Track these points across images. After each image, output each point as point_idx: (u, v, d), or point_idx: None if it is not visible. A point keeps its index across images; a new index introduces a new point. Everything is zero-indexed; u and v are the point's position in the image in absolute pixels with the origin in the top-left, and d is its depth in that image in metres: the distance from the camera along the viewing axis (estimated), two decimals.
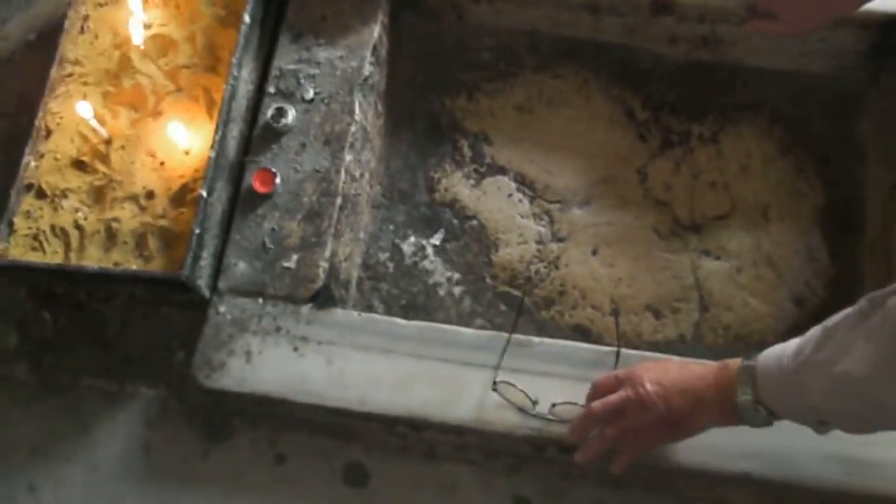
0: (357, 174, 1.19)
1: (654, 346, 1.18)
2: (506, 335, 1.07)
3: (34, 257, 1.13)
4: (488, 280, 1.23)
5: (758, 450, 0.99)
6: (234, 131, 1.17)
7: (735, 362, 0.88)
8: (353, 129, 1.17)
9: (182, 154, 1.17)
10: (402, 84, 1.33)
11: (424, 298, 1.22)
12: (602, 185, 1.27)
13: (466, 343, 1.07)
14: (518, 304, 1.20)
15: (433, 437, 1.08)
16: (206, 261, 1.11)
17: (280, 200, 1.14)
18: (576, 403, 0.98)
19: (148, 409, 1.15)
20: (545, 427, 1.01)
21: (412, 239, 1.25)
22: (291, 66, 1.20)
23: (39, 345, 1.18)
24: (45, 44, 1.28)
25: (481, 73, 1.33)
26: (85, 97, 1.20)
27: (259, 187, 1.14)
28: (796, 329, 1.17)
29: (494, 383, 1.02)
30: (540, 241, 1.25)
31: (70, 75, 1.21)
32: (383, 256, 1.25)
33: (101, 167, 1.17)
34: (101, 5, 1.25)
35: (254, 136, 1.18)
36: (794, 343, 0.83)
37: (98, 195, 1.16)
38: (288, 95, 1.19)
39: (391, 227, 1.26)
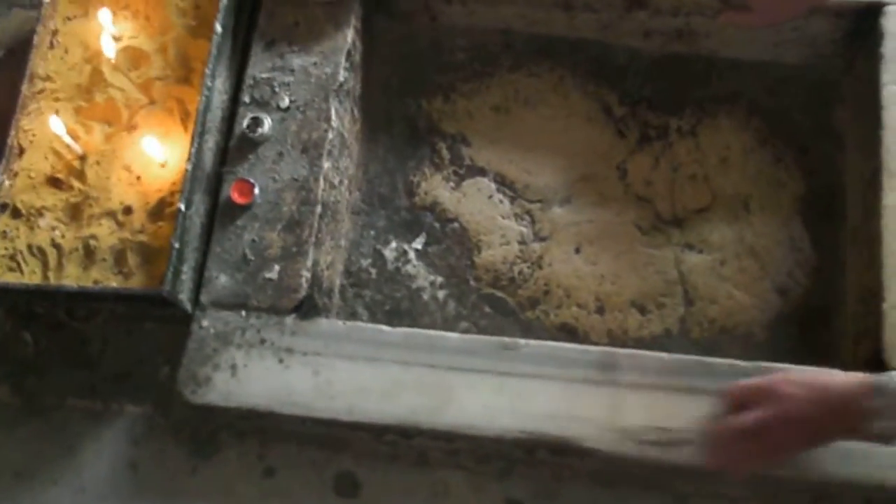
0: (336, 181, 1.18)
1: (641, 342, 1.17)
2: (491, 337, 1.07)
3: (12, 278, 1.11)
4: (472, 282, 1.22)
5: None
6: (210, 143, 1.15)
7: (869, 377, 0.88)
8: (330, 135, 1.16)
9: (158, 167, 1.15)
10: (377, 88, 1.32)
11: (408, 303, 1.21)
12: (582, 183, 1.26)
13: (452, 348, 1.07)
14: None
15: (423, 444, 1.07)
16: (186, 275, 1.10)
17: (259, 211, 1.13)
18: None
19: (134, 426, 1.13)
20: (536, 429, 1.01)
21: (394, 244, 1.25)
22: (265, 75, 1.19)
23: (21, 366, 1.16)
24: (14, 61, 1.26)
25: (456, 74, 1.32)
26: (57, 113, 1.18)
27: (238, 198, 1.13)
28: (781, 319, 1.19)
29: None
30: (522, 242, 1.24)
31: (41, 91, 1.20)
32: (365, 263, 1.24)
33: (76, 184, 1.15)
34: (69, 19, 1.23)
35: (230, 147, 1.16)
36: None
37: (74, 212, 1.14)
38: (263, 104, 1.17)
39: (372, 232, 1.26)
